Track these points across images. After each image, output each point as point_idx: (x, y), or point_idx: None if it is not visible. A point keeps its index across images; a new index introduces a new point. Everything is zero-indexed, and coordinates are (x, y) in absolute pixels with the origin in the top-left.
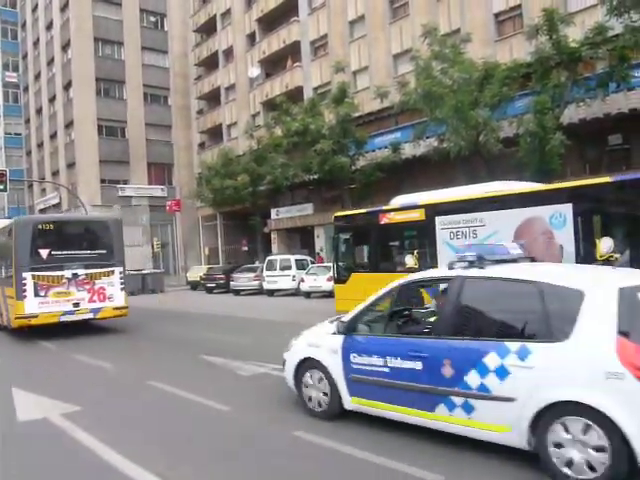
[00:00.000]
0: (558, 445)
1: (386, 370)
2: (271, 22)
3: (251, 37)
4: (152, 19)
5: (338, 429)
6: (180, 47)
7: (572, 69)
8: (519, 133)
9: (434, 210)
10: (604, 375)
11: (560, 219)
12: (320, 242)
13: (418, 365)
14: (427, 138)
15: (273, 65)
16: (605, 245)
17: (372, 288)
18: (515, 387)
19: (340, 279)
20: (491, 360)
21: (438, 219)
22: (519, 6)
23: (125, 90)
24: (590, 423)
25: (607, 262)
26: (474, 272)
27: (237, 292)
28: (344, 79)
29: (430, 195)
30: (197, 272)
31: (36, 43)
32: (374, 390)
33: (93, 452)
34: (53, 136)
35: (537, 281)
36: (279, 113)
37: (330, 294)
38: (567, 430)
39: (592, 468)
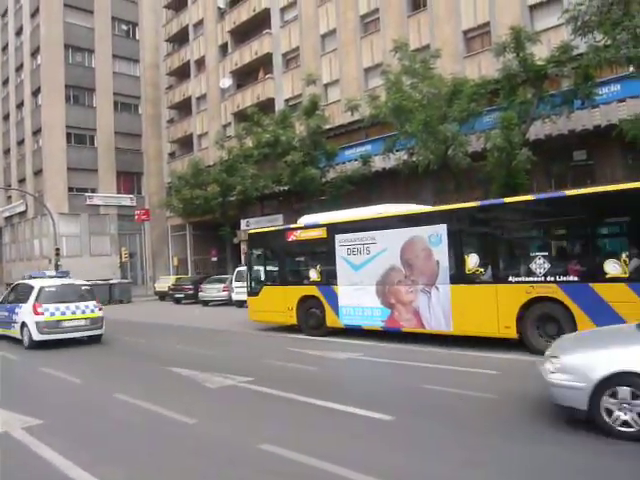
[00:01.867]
0: None
1: None
2: (243, 34)
3: (223, 48)
4: (124, 27)
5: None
6: (151, 56)
7: (538, 86)
8: (487, 148)
9: (334, 229)
10: None
11: (437, 238)
12: None
13: None
14: (397, 151)
15: (245, 76)
16: (472, 261)
17: (281, 300)
18: None
19: (253, 292)
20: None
21: (337, 237)
22: (487, 24)
23: (95, 98)
24: None
25: (474, 275)
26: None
27: (206, 303)
28: (315, 91)
29: (331, 215)
30: (165, 282)
31: (5, 48)
32: None
33: (56, 468)
34: (20, 143)
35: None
36: (250, 124)
37: None
38: None
39: None
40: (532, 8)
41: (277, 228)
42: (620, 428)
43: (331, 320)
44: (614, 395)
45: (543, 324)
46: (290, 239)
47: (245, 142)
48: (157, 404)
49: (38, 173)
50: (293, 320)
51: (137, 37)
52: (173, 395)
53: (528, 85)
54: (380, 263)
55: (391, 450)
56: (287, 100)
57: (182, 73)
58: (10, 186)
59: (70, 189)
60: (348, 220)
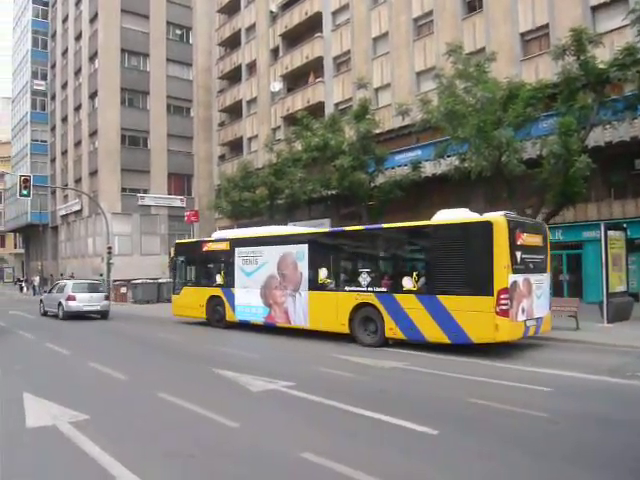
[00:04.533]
0: None
1: None
2: (295, 37)
3: (274, 52)
4: (178, 32)
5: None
6: (204, 60)
7: (599, 91)
8: (543, 155)
9: (235, 243)
10: None
11: (301, 254)
12: None
13: None
14: (448, 157)
15: (295, 80)
16: (323, 273)
17: (197, 299)
18: None
19: (175, 291)
20: None
21: (237, 250)
22: (546, 25)
23: (149, 101)
24: None
25: (324, 284)
26: None
27: None
28: (366, 95)
29: (234, 232)
30: None
31: (65, 53)
32: None
33: (98, 463)
34: (77, 144)
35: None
36: (299, 128)
37: None
38: None
39: None
40: (594, 9)
41: (196, 240)
42: None
43: (229, 315)
44: None
45: (366, 323)
46: (204, 249)
47: (294, 146)
48: (200, 405)
49: (93, 174)
50: (204, 315)
51: (191, 41)
52: (216, 397)
53: (588, 89)
54: (264, 272)
55: (437, 467)
56: (337, 104)
57: (233, 77)
58: (67, 185)
59: (123, 189)
60: (245, 237)
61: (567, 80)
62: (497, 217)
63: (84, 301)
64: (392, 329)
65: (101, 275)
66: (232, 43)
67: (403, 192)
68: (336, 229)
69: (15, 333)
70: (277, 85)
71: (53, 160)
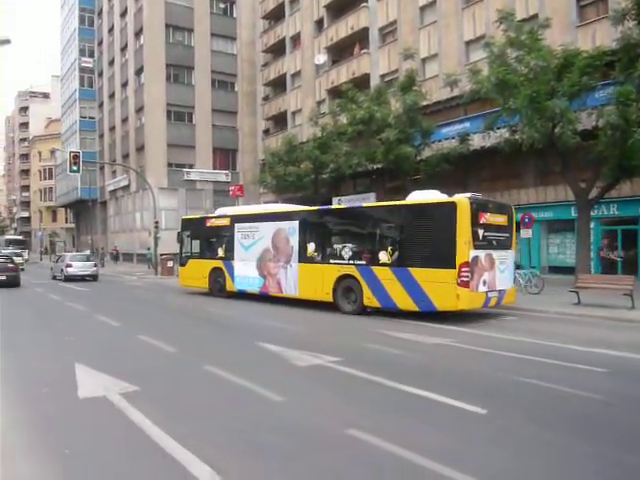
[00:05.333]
0: None
1: None
2: (340, 8)
3: (319, 23)
4: (222, 6)
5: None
6: (248, 34)
7: None
8: (599, 125)
9: (235, 219)
10: None
11: (293, 230)
12: None
13: None
14: (498, 129)
15: (340, 52)
16: (311, 247)
17: (201, 270)
18: None
19: (182, 263)
20: None
21: (236, 225)
22: None
23: (194, 76)
24: None
25: (312, 257)
26: None
27: None
28: (412, 66)
29: (234, 209)
30: None
31: (111, 30)
32: None
33: (147, 434)
34: (124, 120)
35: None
36: (344, 100)
37: None
38: None
39: None
40: None
41: (201, 216)
42: None
43: (229, 286)
44: None
45: (347, 293)
46: (208, 224)
47: (339, 119)
48: (246, 379)
49: (140, 149)
50: (207, 285)
51: (234, 15)
52: (262, 371)
53: None
54: (260, 245)
55: (486, 448)
56: (383, 76)
57: (278, 50)
58: (115, 161)
59: (169, 165)
60: (244, 213)
61: (626, 47)
62: (461, 198)
63: (78, 267)
64: (369, 298)
65: (148, 249)
66: (276, 16)
67: (450, 165)
68: (323, 207)
69: (66, 305)
70: (322, 57)
71: (101, 136)
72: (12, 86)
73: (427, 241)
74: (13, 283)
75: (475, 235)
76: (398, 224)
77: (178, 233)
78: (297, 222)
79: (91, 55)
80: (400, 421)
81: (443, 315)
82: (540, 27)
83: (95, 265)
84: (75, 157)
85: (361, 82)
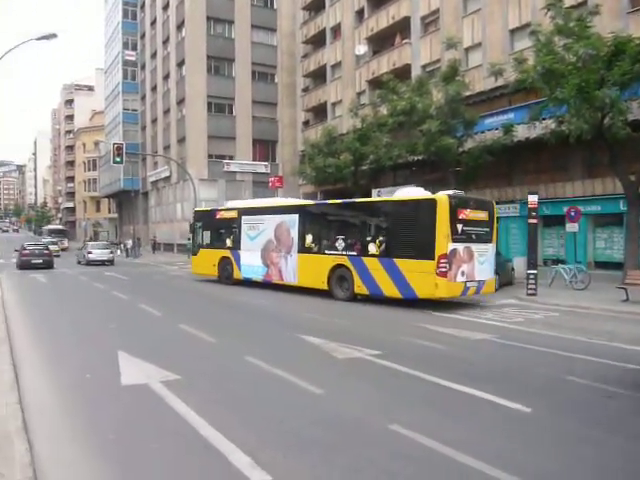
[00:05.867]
0: None
1: None
2: None
3: (359, 14)
4: None
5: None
6: (288, 25)
7: None
8: None
9: (242, 212)
10: None
11: (293, 222)
12: None
13: None
14: (544, 120)
15: (381, 42)
16: (309, 239)
17: (211, 259)
18: None
19: (194, 252)
20: None
21: (243, 217)
22: None
23: (234, 68)
24: None
25: (309, 248)
26: None
27: None
28: (455, 56)
29: (242, 203)
30: None
31: (153, 23)
32: None
33: (188, 423)
34: (166, 112)
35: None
36: (385, 91)
37: None
38: None
39: None
40: None
41: (211, 208)
42: None
43: (236, 274)
44: None
45: (340, 281)
46: (217, 216)
47: (380, 110)
48: (286, 370)
49: (181, 141)
50: (216, 273)
51: (275, 6)
52: (301, 362)
53: None
54: (263, 236)
55: (529, 448)
56: (424, 66)
57: (318, 41)
58: (156, 153)
59: (210, 156)
60: (250, 207)
61: None
62: (441, 196)
63: (97, 254)
64: (359, 286)
65: (188, 239)
66: (316, 6)
67: (493, 157)
68: (320, 202)
69: (111, 294)
70: (362, 48)
71: (143, 128)
72: (58, 79)
73: (410, 234)
74: (48, 266)
75: (454, 229)
76: (385, 218)
77: (190, 224)
78: (297, 215)
79: (134, 48)
80: (443, 418)
81: (484, 309)
82: (589, 14)
83: (111, 252)
84: (118, 149)
85: (402, 73)
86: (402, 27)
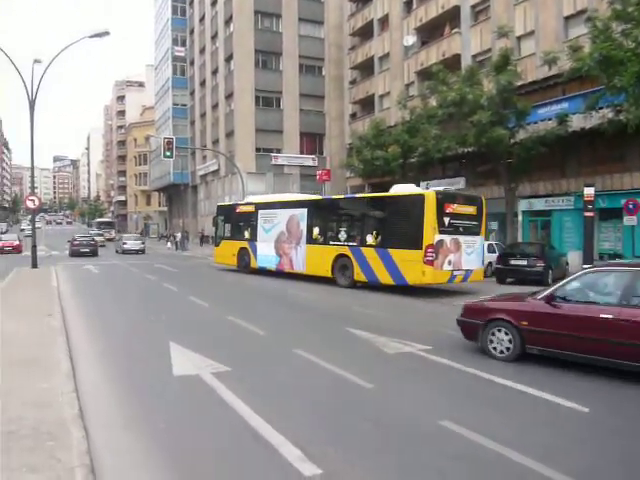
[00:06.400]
0: None
1: None
2: None
3: (408, 4)
4: None
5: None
6: (335, 17)
7: None
8: None
9: (258, 206)
10: None
11: (303, 216)
12: None
13: None
14: (600, 109)
15: (430, 32)
16: (315, 231)
17: (232, 249)
18: None
19: (217, 243)
20: None
21: (260, 211)
22: None
23: (282, 61)
24: None
25: (316, 239)
26: None
27: None
28: (507, 45)
29: (258, 198)
30: None
31: (202, 19)
32: None
33: (238, 414)
34: (214, 107)
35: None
36: (434, 82)
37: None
38: None
39: None
40: None
41: (232, 203)
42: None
43: (253, 263)
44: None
45: (343, 269)
46: (237, 210)
47: (429, 101)
48: (334, 364)
49: (230, 134)
50: (235, 262)
51: None
52: (350, 356)
53: None
54: (277, 229)
55: (585, 448)
56: (474, 56)
57: (365, 33)
58: (205, 147)
59: (257, 149)
60: (265, 201)
61: None
62: (429, 192)
63: (130, 244)
64: (358, 274)
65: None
66: None
67: (547, 148)
68: (326, 197)
69: (162, 286)
70: (410, 39)
71: (192, 123)
72: (110, 77)
73: (402, 227)
74: (93, 254)
75: (441, 222)
76: (381, 212)
77: (214, 218)
78: (306, 209)
79: (183, 44)
80: (496, 415)
81: None
82: None
83: (142, 243)
84: (169, 143)
85: (452, 63)
86: (452, 16)
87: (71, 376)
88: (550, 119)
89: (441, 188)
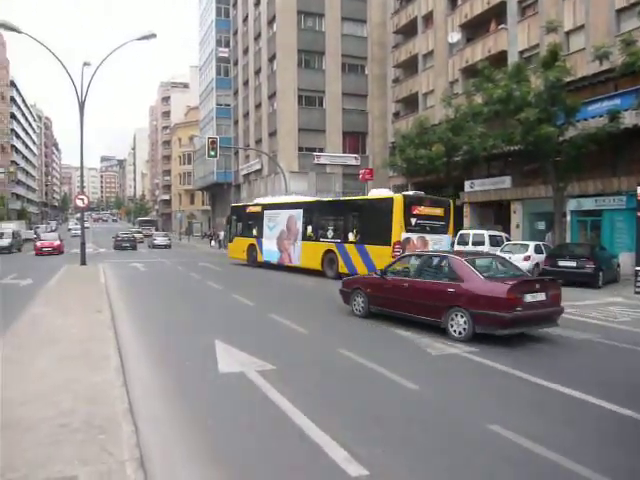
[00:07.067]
0: None
1: None
2: None
3: (452, 1)
4: None
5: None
6: (379, 15)
7: None
8: None
9: (264, 207)
10: None
11: (299, 216)
12: (517, 218)
13: None
14: None
15: (475, 29)
16: (309, 229)
17: (242, 245)
18: None
19: (230, 240)
20: None
21: (265, 212)
22: None
23: (324, 61)
24: None
25: (310, 237)
26: None
27: None
28: (555, 40)
29: (265, 199)
30: None
31: (245, 19)
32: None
33: (284, 413)
34: (258, 106)
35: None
36: (480, 79)
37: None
38: None
39: None
40: None
41: (243, 204)
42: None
43: (259, 257)
44: None
45: (330, 263)
46: (247, 211)
47: (474, 99)
48: (379, 364)
49: (272, 134)
50: (245, 257)
51: None
52: (394, 356)
53: None
54: (279, 227)
55: (630, 452)
56: (521, 52)
57: (409, 30)
58: (248, 146)
59: (300, 149)
60: (270, 203)
61: None
62: (397, 195)
63: (159, 240)
64: (342, 267)
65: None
66: None
67: (597, 146)
68: (318, 199)
69: (206, 284)
70: (455, 36)
71: (236, 122)
72: (155, 78)
73: (376, 225)
74: (133, 248)
75: (407, 222)
76: (360, 213)
77: (227, 217)
78: (301, 210)
79: (227, 45)
80: (547, 421)
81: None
82: None
83: (169, 239)
84: (213, 143)
85: (498, 60)
86: (498, 12)
87: (120, 371)
88: (601, 116)
89: (411, 192)
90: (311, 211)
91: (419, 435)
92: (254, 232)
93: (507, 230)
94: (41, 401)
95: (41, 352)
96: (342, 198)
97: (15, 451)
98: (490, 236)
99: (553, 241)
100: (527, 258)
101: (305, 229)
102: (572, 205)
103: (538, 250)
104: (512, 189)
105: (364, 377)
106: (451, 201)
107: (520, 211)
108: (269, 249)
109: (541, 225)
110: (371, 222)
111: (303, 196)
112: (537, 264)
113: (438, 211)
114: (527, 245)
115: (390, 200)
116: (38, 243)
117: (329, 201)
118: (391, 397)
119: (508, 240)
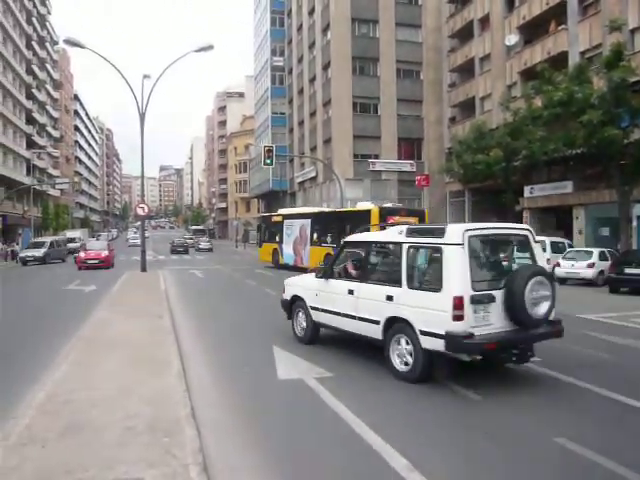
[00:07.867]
0: None
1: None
2: None
3: (509, 2)
4: None
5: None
6: (433, 20)
7: None
8: None
9: (284, 216)
10: None
11: (308, 225)
12: (580, 224)
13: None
14: None
15: (533, 30)
16: (315, 236)
17: (269, 250)
18: None
19: (260, 245)
20: None
21: (285, 221)
22: None
23: (379, 67)
24: None
25: (316, 242)
26: None
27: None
28: (619, 39)
29: (285, 210)
30: None
31: (299, 28)
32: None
33: (343, 420)
34: (312, 114)
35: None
36: (540, 82)
37: (590, 282)
38: None
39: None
40: None
41: (269, 214)
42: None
43: (280, 260)
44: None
45: None
46: (272, 219)
47: (533, 102)
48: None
49: (327, 141)
50: (271, 260)
51: (419, 2)
52: (456, 367)
53: None
54: (294, 234)
55: None
56: (583, 52)
57: (465, 34)
58: (303, 154)
59: (355, 155)
60: (288, 213)
61: None
62: (374, 207)
63: (203, 244)
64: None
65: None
66: None
67: None
68: (321, 210)
69: (263, 290)
70: (513, 38)
71: (291, 130)
72: (212, 88)
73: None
74: (185, 252)
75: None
76: (349, 222)
77: (257, 225)
78: (310, 219)
79: (281, 54)
80: (617, 435)
81: None
82: None
83: (210, 244)
84: (269, 151)
85: (557, 61)
86: (557, 12)
87: (182, 376)
88: None
89: (390, 204)
90: (316, 220)
91: (482, 445)
92: (277, 238)
93: (569, 237)
94: (108, 404)
95: (107, 356)
96: (336, 209)
97: (85, 452)
98: (552, 242)
99: (616, 248)
100: (591, 265)
101: (312, 236)
102: (639, 210)
103: (603, 257)
104: (574, 194)
105: (425, 386)
106: (426, 210)
107: (583, 217)
108: (288, 253)
109: (605, 231)
110: (356, 229)
111: (324, 207)
112: (602, 271)
113: (412, 220)
114: (591, 252)
115: (368, 211)
116: (82, 254)
117: (328, 212)
118: (454, 407)
119: (571, 247)
